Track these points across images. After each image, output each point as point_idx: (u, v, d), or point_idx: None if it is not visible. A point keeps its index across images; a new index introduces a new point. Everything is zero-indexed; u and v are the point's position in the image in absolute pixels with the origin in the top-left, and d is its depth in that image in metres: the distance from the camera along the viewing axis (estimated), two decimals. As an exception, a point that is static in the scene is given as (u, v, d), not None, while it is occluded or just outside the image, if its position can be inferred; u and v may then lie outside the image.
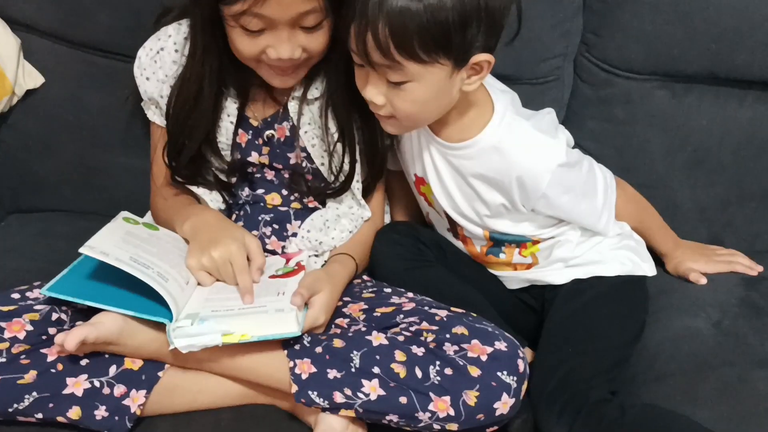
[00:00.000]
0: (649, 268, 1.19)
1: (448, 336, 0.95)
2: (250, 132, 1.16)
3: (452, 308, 1.02)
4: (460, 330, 0.95)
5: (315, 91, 1.13)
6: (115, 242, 0.99)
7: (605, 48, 1.30)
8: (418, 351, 0.94)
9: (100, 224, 1.31)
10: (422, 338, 0.96)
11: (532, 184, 1.06)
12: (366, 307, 1.04)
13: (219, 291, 1.03)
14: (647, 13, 1.24)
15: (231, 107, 1.13)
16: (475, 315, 1.01)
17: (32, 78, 1.32)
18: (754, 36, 1.23)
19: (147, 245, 1.01)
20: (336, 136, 1.13)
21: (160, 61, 1.15)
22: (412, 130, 1.10)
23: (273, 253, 1.16)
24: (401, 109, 1.01)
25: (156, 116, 1.19)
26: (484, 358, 0.93)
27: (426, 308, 1.01)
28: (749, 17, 1.22)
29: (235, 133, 1.15)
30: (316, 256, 1.17)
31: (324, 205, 1.19)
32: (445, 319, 0.97)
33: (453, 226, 1.20)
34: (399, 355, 0.94)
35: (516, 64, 1.27)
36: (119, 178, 1.39)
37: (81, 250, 0.94)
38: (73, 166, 1.38)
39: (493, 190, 1.10)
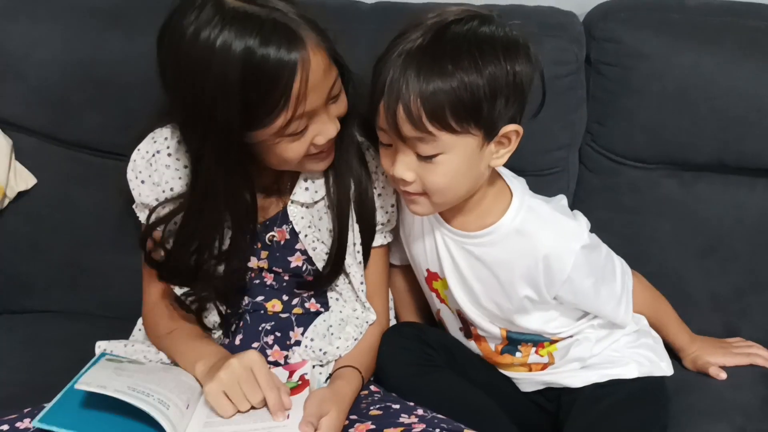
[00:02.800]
0: (667, 367, 1.15)
1: (461, 466, 0.90)
2: (248, 237, 1.12)
3: (465, 430, 0.96)
4: (475, 458, 0.91)
5: (315, 194, 1.11)
6: (109, 375, 0.96)
7: (610, 137, 1.29)
8: (432, 482, 0.89)
9: (90, 326, 1.31)
10: (435, 467, 0.91)
11: (558, 266, 1.05)
12: (373, 427, 0.99)
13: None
14: (652, 103, 1.24)
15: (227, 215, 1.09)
16: (489, 437, 0.96)
17: (24, 180, 1.31)
18: (761, 125, 1.22)
19: (140, 374, 0.98)
20: (336, 236, 1.10)
21: (155, 164, 1.12)
22: (442, 209, 1.08)
23: (276, 364, 1.11)
24: (433, 182, 0.99)
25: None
26: (502, 490, 0.88)
27: (437, 431, 0.95)
28: (757, 106, 1.22)
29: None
30: (321, 365, 1.12)
31: (326, 307, 1.14)
32: (457, 445, 0.93)
33: (465, 324, 1.17)
34: (412, 487, 0.89)
35: (521, 157, 1.22)
36: (110, 277, 1.36)
37: (77, 386, 0.91)
38: (62, 266, 1.36)
39: (519, 279, 1.07)
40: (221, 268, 1.09)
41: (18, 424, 0.96)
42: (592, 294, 1.09)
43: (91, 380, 0.93)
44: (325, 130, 1.01)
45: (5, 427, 0.95)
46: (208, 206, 1.03)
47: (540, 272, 1.05)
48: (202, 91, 0.94)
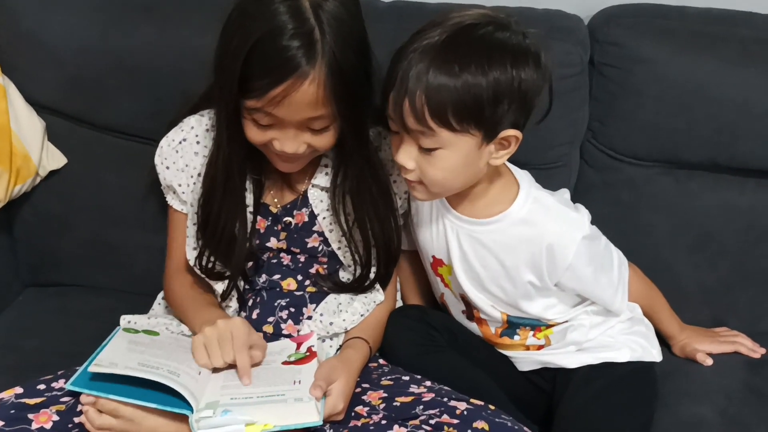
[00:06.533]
0: (657, 354, 1.22)
1: (469, 431, 0.97)
2: (270, 218, 1.19)
3: (471, 400, 1.04)
4: (480, 425, 0.97)
5: (335, 178, 1.16)
6: (122, 353, 1.02)
7: (610, 136, 1.35)
8: (440, 446, 0.96)
9: (115, 300, 1.37)
10: (443, 432, 0.98)
11: (561, 254, 1.10)
12: (385, 395, 1.06)
13: (234, 378, 1.05)
14: (650, 105, 1.30)
15: (248, 197, 1.16)
16: (493, 408, 1.03)
17: (55, 159, 1.37)
18: (752, 128, 1.28)
19: (152, 350, 1.04)
20: (351, 221, 1.16)
21: (181, 151, 1.19)
22: (439, 198, 1.14)
23: (288, 336, 1.18)
24: (430, 174, 1.05)
25: (175, 201, 1.23)
26: (503, 454, 0.95)
27: (445, 400, 1.03)
28: (748, 111, 1.28)
29: (254, 221, 1.18)
30: (330, 338, 1.19)
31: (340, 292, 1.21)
32: (465, 413, 0.99)
33: (468, 308, 1.23)
34: (421, 450, 0.96)
35: (525, 151, 1.28)
36: (135, 254, 1.42)
37: (90, 369, 0.96)
38: (90, 243, 1.42)
39: (523, 265, 1.13)
40: (243, 246, 1.15)
41: (53, 384, 1.04)
42: (592, 281, 1.15)
43: (103, 360, 0.99)
44: (283, 141, 1.05)
45: (42, 386, 1.03)
46: (219, 161, 1.10)
47: (543, 259, 1.11)
48: (229, 36, 1.01)
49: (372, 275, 1.19)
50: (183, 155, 1.19)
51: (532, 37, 1.03)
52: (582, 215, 1.16)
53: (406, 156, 1.05)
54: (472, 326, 1.25)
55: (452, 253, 1.17)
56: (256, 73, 0.99)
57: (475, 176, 1.09)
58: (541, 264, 1.12)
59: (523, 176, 1.16)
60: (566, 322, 1.19)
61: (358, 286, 1.19)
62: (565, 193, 1.23)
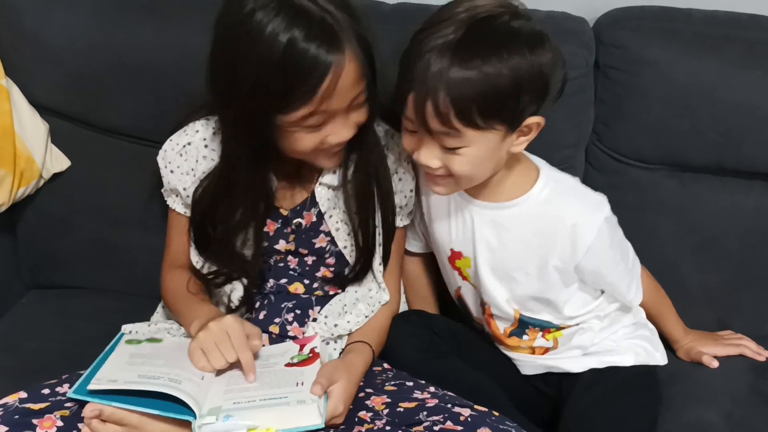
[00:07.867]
0: (661, 357, 1.22)
1: (473, 438, 0.96)
2: (279, 221, 1.19)
3: (475, 406, 1.03)
4: (484, 432, 0.97)
5: (342, 177, 1.16)
6: (122, 366, 1.02)
7: (616, 138, 1.34)
8: (444, 453, 0.96)
9: (116, 301, 1.37)
10: (447, 439, 0.97)
11: (583, 234, 1.09)
12: (389, 401, 1.06)
13: (237, 381, 1.04)
14: (656, 107, 1.29)
15: (260, 205, 1.16)
16: (497, 414, 1.02)
17: (59, 162, 1.36)
18: (759, 130, 1.28)
19: (153, 359, 1.04)
20: (358, 218, 1.16)
21: (186, 155, 1.18)
22: (462, 189, 1.13)
23: (294, 338, 1.17)
24: (458, 171, 1.04)
25: (177, 204, 1.22)
26: (507, 461, 0.95)
27: (449, 406, 1.02)
28: (754, 113, 1.27)
29: (263, 224, 1.17)
30: (334, 341, 1.18)
31: (344, 289, 1.21)
32: (469, 419, 0.99)
33: (482, 303, 1.22)
34: (424, 457, 0.95)
35: (530, 153, 1.30)
36: (137, 256, 1.42)
37: (89, 387, 0.96)
38: (92, 244, 1.42)
39: (547, 246, 1.11)
40: (250, 252, 1.15)
41: (58, 389, 1.03)
42: (611, 266, 1.14)
43: (103, 376, 0.99)
44: (339, 132, 1.05)
45: (46, 391, 1.02)
46: (233, 187, 1.10)
47: (567, 240, 1.10)
48: (242, 66, 0.99)
49: (380, 269, 1.19)
50: (187, 159, 1.18)
51: (534, 20, 1.03)
52: (603, 197, 1.15)
53: (430, 155, 1.04)
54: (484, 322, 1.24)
55: (476, 241, 1.15)
56: (294, 85, 0.98)
57: (498, 165, 1.08)
58: (564, 245, 1.10)
59: (541, 161, 1.16)
60: (577, 325, 1.19)
61: (360, 270, 1.18)
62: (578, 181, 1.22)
